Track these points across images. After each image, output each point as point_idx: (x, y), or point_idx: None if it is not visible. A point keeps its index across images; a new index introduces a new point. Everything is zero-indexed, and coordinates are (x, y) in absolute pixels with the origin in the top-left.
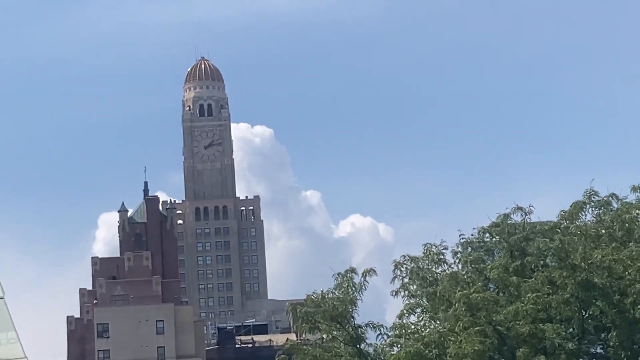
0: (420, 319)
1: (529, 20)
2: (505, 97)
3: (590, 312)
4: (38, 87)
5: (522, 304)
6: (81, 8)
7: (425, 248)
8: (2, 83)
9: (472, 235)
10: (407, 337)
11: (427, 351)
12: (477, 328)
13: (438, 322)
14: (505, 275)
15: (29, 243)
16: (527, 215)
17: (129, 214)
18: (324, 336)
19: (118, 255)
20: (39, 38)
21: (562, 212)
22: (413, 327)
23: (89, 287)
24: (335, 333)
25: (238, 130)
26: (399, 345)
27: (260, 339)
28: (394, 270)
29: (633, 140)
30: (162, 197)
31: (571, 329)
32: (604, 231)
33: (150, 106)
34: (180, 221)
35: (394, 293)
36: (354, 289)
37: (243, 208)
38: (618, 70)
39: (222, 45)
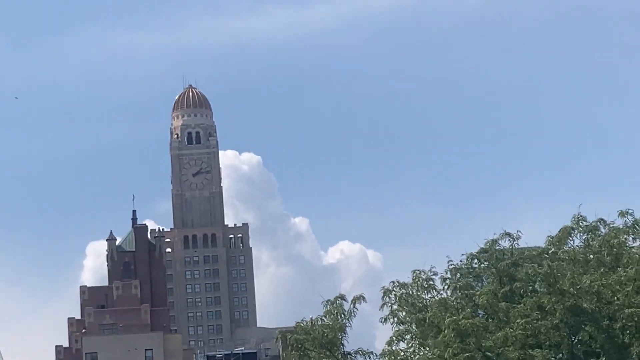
0: (410, 345)
1: (516, 49)
2: (492, 125)
3: (580, 338)
4: (26, 116)
5: (511, 330)
6: (69, 36)
7: (414, 274)
8: None
9: (460, 261)
10: None
11: None
12: (467, 354)
13: (427, 349)
14: (494, 301)
15: (17, 272)
16: (515, 241)
17: (117, 242)
18: None
19: (106, 284)
20: (25, 67)
21: (549, 238)
22: (402, 353)
23: (78, 316)
24: None
25: (226, 158)
26: None
27: None
28: (383, 296)
29: (620, 165)
30: (151, 225)
31: (560, 355)
32: (592, 256)
33: (138, 134)
34: (168, 249)
35: (383, 320)
36: (343, 315)
37: (232, 236)
38: (606, 96)
39: (210, 72)
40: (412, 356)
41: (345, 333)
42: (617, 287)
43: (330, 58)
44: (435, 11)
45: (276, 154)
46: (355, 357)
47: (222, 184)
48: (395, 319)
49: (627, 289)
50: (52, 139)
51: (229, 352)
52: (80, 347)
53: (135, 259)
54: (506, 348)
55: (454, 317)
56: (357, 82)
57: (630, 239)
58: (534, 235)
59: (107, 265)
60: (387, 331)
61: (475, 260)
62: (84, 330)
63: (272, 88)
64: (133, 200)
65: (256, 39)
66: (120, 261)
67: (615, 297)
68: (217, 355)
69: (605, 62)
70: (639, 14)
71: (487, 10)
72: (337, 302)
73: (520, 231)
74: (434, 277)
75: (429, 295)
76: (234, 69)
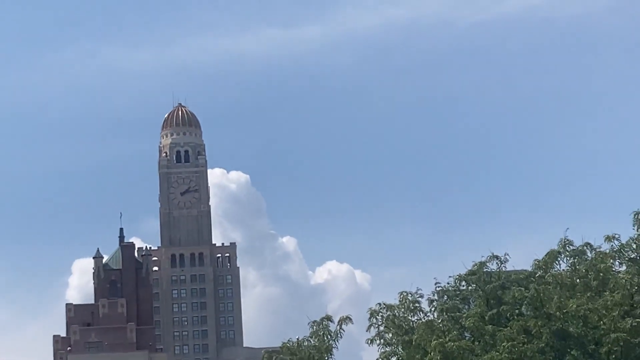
0: None
1: (507, 71)
2: (482, 148)
3: None
4: (14, 132)
5: (497, 353)
6: (59, 53)
7: (402, 296)
8: None
9: (448, 283)
10: None
11: None
12: None
13: None
14: (481, 323)
15: (1, 288)
16: (502, 263)
17: (104, 260)
18: None
19: (92, 301)
20: (15, 82)
21: (536, 261)
22: None
23: (63, 334)
24: None
25: (213, 176)
26: None
27: None
28: (370, 318)
29: (607, 190)
30: (138, 243)
31: None
32: (579, 280)
33: (126, 152)
34: (155, 268)
35: (369, 341)
36: (329, 336)
37: (219, 255)
38: (593, 119)
39: (199, 91)
40: None
41: (331, 354)
42: (604, 311)
43: (320, 77)
44: (426, 31)
45: (264, 172)
46: None
47: (210, 203)
48: (382, 340)
49: (614, 314)
50: (40, 155)
51: None
52: None
53: (122, 277)
54: None
55: (441, 340)
56: (346, 102)
57: (617, 263)
58: (521, 258)
59: (94, 282)
60: (373, 352)
61: (463, 282)
62: (69, 348)
63: (262, 107)
64: (120, 218)
65: (246, 58)
66: (106, 279)
67: (602, 322)
68: None
69: (592, 87)
70: (620, 38)
71: (478, 32)
72: (324, 323)
73: (507, 254)
74: (420, 299)
75: (416, 317)
76: (224, 88)
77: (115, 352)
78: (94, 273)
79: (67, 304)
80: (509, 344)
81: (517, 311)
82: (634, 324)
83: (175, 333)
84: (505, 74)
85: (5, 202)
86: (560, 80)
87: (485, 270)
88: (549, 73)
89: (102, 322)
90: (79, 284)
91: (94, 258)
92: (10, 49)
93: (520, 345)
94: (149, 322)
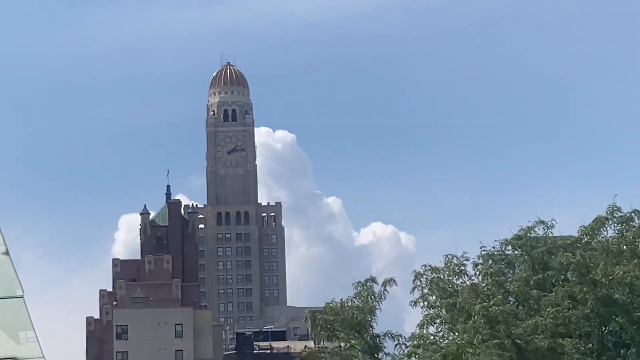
0: (439, 330)
1: (551, 31)
2: (529, 112)
3: (610, 328)
4: (65, 90)
5: (541, 318)
6: (107, 11)
7: (447, 259)
8: (30, 87)
9: (493, 247)
10: (426, 347)
11: None
12: (496, 341)
13: (457, 334)
14: (526, 288)
15: (49, 243)
16: (549, 229)
17: (150, 216)
18: (342, 344)
19: (138, 257)
20: (63, 40)
21: (583, 228)
22: (432, 337)
23: (109, 289)
24: (353, 342)
25: (260, 135)
26: (417, 356)
27: (278, 345)
28: (414, 280)
29: None
30: (184, 201)
31: (590, 345)
32: (625, 247)
33: (174, 111)
34: (201, 225)
35: (413, 303)
36: (373, 298)
37: (264, 214)
38: None
39: (247, 50)
40: (441, 341)
41: (374, 315)
42: None
43: (368, 38)
44: None
45: (311, 132)
46: (383, 339)
47: (256, 162)
48: (426, 302)
49: None
50: (90, 112)
51: (258, 329)
52: (110, 319)
53: (168, 234)
54: (536, 336)
55: (485, 304)
56: (393, 63)
57: None
58: (568, 224)
59: (140, 238)
60: (416, 315)
61: (509, 247)
62: (115, 303)
63: (309, 67)
64: (168, 175)
65: (294, 18)
66: (153, 235)
67: None
68: (247, 333)
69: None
70: None
71: None
72: (368, 284)
73: (554, 219)
74: (466, 262)
75: (460, 281)
76: (272, 47)
77: (160, 307)
78: (140, 229)
79: (113, 259)
80: (554, 309)
81: (562, 277)
82: None
83: (220, 291)
84: (553, 31)
85: (55, 158)
86: (608, 39)
87: (531, 235)
88: (595, 32)
89: (147, 277)
90: (126, 240)
91: (140, 214)
92: (59, 7)
93: (565, 310)
94: (194, 279)
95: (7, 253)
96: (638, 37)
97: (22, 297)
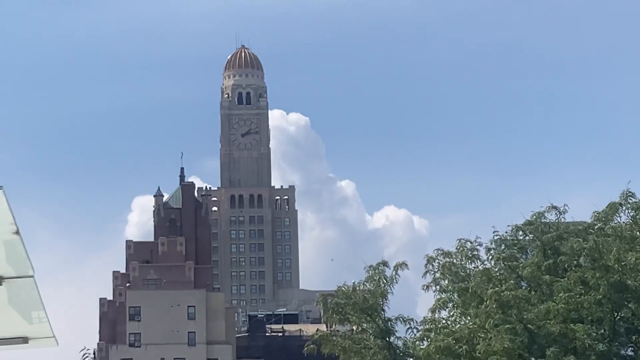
0: (451, 314)
1: (565, 15)
2: (543, 97)
3: (622, 314)
4: (79, 70)
5: (553, 303)
6: None
7: (459, 243)
8: (43, 66)
9: (506, 232)
10: (438, 331)
11: (457, 347)
12: (508, 326)
13: (469, 318)
14: (538, 273)
15: (63, 224)
16: (561, 214)
17: (164, 198)
18: (354, 328)
19: (152, 239)
20: (78, 20)
21: (596, 213)
22: (444, 322)
23: (122, 270)
24: (365, 325)
25: (273, 118)
26: (428, 340)
27: (290, 328)
28: (427, 264)
29: None
30: (198, 183)
31: (602, 330)
32: (639, 233)
33: (189, 92)
34: (215, 208)
35: (425, 287)
36: (385, 281)
37: (278, 197)
38: None
39: (262, 33)
40: (453, 325)
41: (386, 299)
42: None
43: (381, 21)
44: None
45: (324, 115)
46: (395, 323)
47: (270, 145)
48: (438, 287)
49: None
50: (103, 93)
51: (271, 312)
52: (123, 301)
53: (182, 216)
54: (548, 321)
55: (497, 288)
56: (407, 46)
57: None
58: (581, 209)
59: (153, 220)
60: (428, 299)
61: (521, 232)
62: (128, 284)
63: (323, 50)
64: (181, 157)
65: (309, 2)
66: (166, 217)
67: None
68: (259, 315)
69: None
70: None
71: None
72: (380, 268)
73: (567, 205)
74: (478, 247)
75: (473, 265)
76: (286, 30)
77: (172, 289)
78: (154, 211)
79: (127, 241)
80: (566, 294)
81: (574, 262)
82: None
83: (233, 273)
84: (563, 18)
85: (68, 139)
86: (618, 26)
87: (543, 220)
88: (605, 21)
89: (160, 259)
90: (139, 221)
91: (154, 196)
92: None
93: (577, 296)
94: (207, 262)
95: (17, 232)
96: None
97: (32, 277)
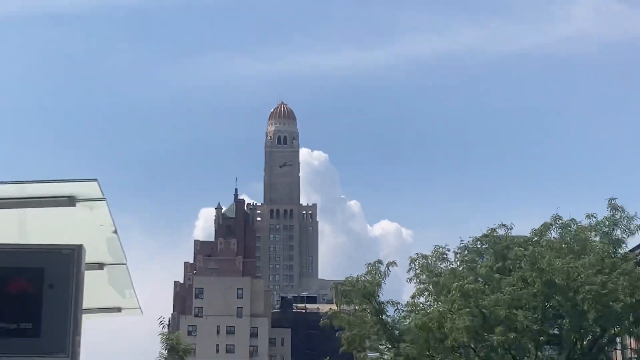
0: (427, 300)
1: (506, 68)
2: (498, 142)
3: (551, 304)
4: (165, 115)
5: (501, 295)
6: (204, 60)
7: (434, 249)
8: (138, 112)
9: (468, 242)
10: (417, 312)
11: (430, 324)
12: (467, 309)
13: (439, 303)
14: (491, 273)
15: (149, 226)
16: (508, 230)
17: (222, 210)
18: (356, 308)
19: (213, 239)
20: (164, 80)
21: (534, 230)
22: (421, 305)
23: (191, 261)
24: (364, 306)
25: (302, 154)
26: (410, 318)
27: (310, 307)
28: (410, 263)
29: (590, 177)
30: (247, 200)
31: (536, 315)
32: (564, 245)
33: (243, 135)
34: (259, 219)
35: (408, 280)
36: (380, 275)
37: (304, 212)
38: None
39: (296, 93)
40: (428, 308)
41: (380, 288)
42: (582, 269)
43: (381, 91)
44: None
45: (340, 152)
46: (386, 305)
47: (299, 174)
48: (418, 280)
49: (589, 271)
50: (183, 133)
51: (297, 295)
52: (191, 284)
53: (235, 224)
54: (497, 307)
55: (460, 282)
56: (396, 110)
57: (593, 235)
58: (523, 227)
59: (214, 226)
60: (411, 288)
61: (479, 242)
62: (195, 272)
63: (341, 105)
64: (236, 181)
65: (332, 71)
66: (224, 224)
67: (579, 276)
68: (288, 297)
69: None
70: None
71: (509, 63)
72: (376, 265)
73: (513, 223)
74: (448, 252)
75: (444, 265)
76: (313, 92)
77: (227, 276)
78: (215, 219)
79: (195, 241)
80: (510, 288)
81: (517, 265)
82: (602, 279)
83: (270, 266)
84: (505, 70)
85: (158, 167)
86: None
87: (495, 234)
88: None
89: (219, 254)
90: (204, 226)
91: (215, 208)
92: (163, 54)
93: (519, 290)
94: (252, 257)
95: (115, 232)
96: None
97: (125, 264)
